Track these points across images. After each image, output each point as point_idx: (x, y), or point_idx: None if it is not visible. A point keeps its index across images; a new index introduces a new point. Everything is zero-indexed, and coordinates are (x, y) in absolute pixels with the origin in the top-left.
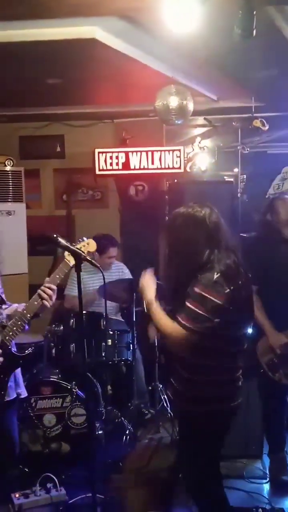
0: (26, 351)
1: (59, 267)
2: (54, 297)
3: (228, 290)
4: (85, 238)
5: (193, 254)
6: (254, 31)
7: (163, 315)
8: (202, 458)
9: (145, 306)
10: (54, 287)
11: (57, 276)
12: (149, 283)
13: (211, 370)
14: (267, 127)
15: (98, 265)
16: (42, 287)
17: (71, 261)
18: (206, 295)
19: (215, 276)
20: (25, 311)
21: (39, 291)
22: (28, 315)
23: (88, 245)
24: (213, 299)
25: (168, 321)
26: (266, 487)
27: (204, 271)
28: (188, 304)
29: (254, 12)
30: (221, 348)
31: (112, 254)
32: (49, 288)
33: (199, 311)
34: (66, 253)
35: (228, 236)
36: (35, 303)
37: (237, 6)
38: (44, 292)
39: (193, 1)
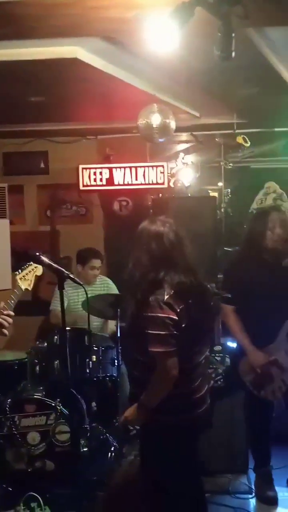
0: None
1: (13, 292)
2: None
3: (179, 309)
4: (32, 263)
5: (145, 271)
6: (233, 53)
7: (146, 393)
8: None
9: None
10: (13, 313)
11: (12, 302)
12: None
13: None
14: (249, 144)
15: (81, 283)
16: (3, 316)
17: (23, 285)
18: (160, 315)
19: (166, 297)
20: None
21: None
22: None
23: (36, 269)
24: (167, 316)
25: (150, 384)
26: (252, 502)
27: (154, 293)
28: (149, 331)
29: (233, 34)
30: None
31: (94, 265)
32: (9, 315)
33: (162, 333)
34: (18, 277)
35: (188, 257)
36: None
37: (216, 28)
38: (6, 320)
39: (173, 23)
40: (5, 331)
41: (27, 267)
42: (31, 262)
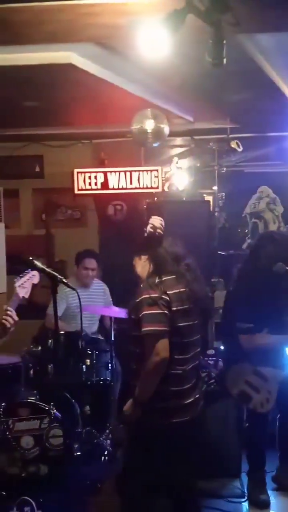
0: None
1: (12, 299)
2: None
3: (170, 292)
4: (29, 270)
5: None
6: (225, 59)
7: (138, 386)
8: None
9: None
10: (16, 318)
11: (9, 309)
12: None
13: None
14: (241, 149)
15: (74, 287)
16: (5, 316)
17: (21, 293)
18: (152, 295)
19: (157, 280)
20: None
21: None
22: None
23: (33, 277)
24: (157, 295)
25: (141, 376)
26: (245, 506)
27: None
28: (142, 313)
29: (224, 41)
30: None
31: (88, 265)
32: (12, 316)
33: (153, 312)
34: (17, 285)
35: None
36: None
37: (207, 35)
38: (8, 321)
39: (165, 30)
40: (7, 326)
41: (25, 275)
42: (29, 270)
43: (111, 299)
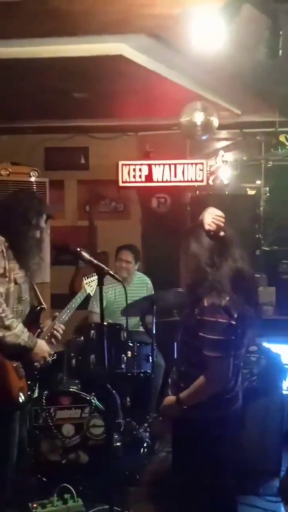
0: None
1: (79, 294)
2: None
3: (236, 315)
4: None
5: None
6: (280, 51)
7: (188, 391)
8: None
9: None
10: (63, 327)
11: (73, 305)
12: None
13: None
14: None
15: (120, 279)
16: (56, 327)
17: (87, 290)
18: (220, 320)
19: (223, 302)
20: None
21: (54, 331)
22: None
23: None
24: (226, 321)
25: (195, 384)
26: (283, 505)
27: (211, 296)
28: (207, 336)
29: (281, 32)
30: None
31: (122, 257)
32: (58, 330)
33: (220, 338)
34: (85, 282)
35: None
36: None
37: (264, 25)
38: (58, 332)
39: (220, 20)
40: (54, 341)
41: (93, 275)
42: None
43: (152, 288)
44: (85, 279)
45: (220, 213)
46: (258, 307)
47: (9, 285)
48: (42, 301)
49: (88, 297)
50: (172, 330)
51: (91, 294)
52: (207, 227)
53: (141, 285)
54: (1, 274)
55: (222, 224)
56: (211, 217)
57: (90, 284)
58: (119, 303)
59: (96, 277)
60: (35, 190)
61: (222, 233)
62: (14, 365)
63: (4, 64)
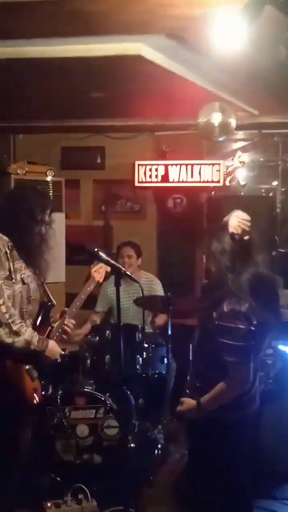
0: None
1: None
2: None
3: (256, 321)
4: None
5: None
6: None
7: (208, 396)
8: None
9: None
10: (74, 322)
11: (83, 296)
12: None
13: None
14: None
15: (137, 280)
16: (66, 322)
17: (96, 278)
18: (240, 326)
19: (243, 308)
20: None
21: (64, 327)
22: None
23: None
24: (246, 328)
25: (216, 389)
26: None
27: (230, 302)
28: (228, 341)
29: None
30: None
31: (124, 253)
32: (68, 325)
33: (240, 344)
34: (93, 269)
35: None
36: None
37: (284, 26)
38: (69, 326)
39: (241, 21)
40: (65, 336)
41: (98, 263)
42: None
43: (161, 291)
44: (92, 267)
45: (247, 216)
46: (279, 312)
47: (16, 286)
48: (51, 298)
49: (89, 297)
50: (183, 332)
51: (100, 282)
52: (232, 230)
53: (146, 284)
54: (6, 277)
55: (248, 228)
56: (238, 220)
57: (98, 271)
58: (124, 303)
59: (102, 264)
60: (51, 189)
61: (246, 237)
62: (27, 367)
63: (21, 64)
